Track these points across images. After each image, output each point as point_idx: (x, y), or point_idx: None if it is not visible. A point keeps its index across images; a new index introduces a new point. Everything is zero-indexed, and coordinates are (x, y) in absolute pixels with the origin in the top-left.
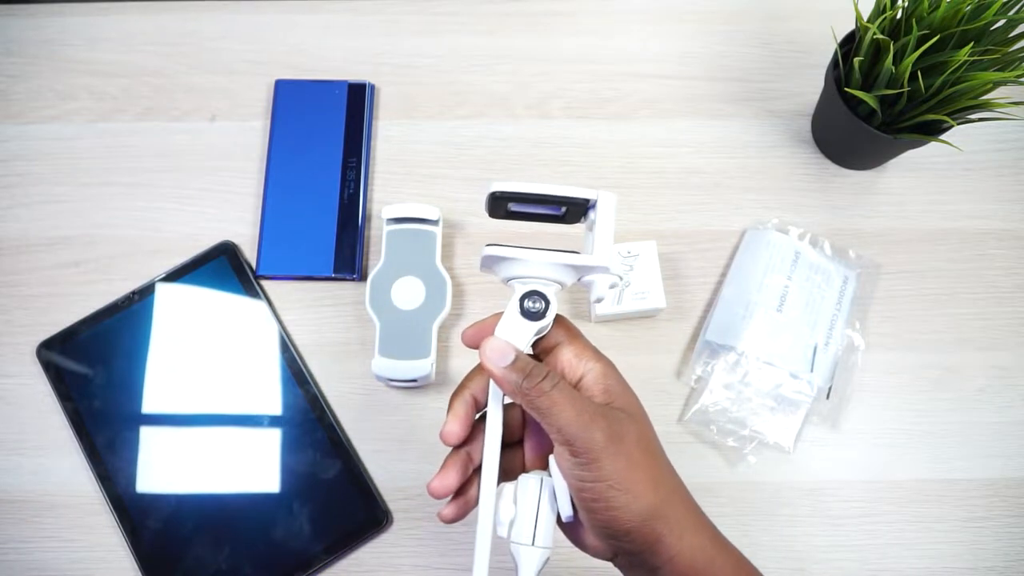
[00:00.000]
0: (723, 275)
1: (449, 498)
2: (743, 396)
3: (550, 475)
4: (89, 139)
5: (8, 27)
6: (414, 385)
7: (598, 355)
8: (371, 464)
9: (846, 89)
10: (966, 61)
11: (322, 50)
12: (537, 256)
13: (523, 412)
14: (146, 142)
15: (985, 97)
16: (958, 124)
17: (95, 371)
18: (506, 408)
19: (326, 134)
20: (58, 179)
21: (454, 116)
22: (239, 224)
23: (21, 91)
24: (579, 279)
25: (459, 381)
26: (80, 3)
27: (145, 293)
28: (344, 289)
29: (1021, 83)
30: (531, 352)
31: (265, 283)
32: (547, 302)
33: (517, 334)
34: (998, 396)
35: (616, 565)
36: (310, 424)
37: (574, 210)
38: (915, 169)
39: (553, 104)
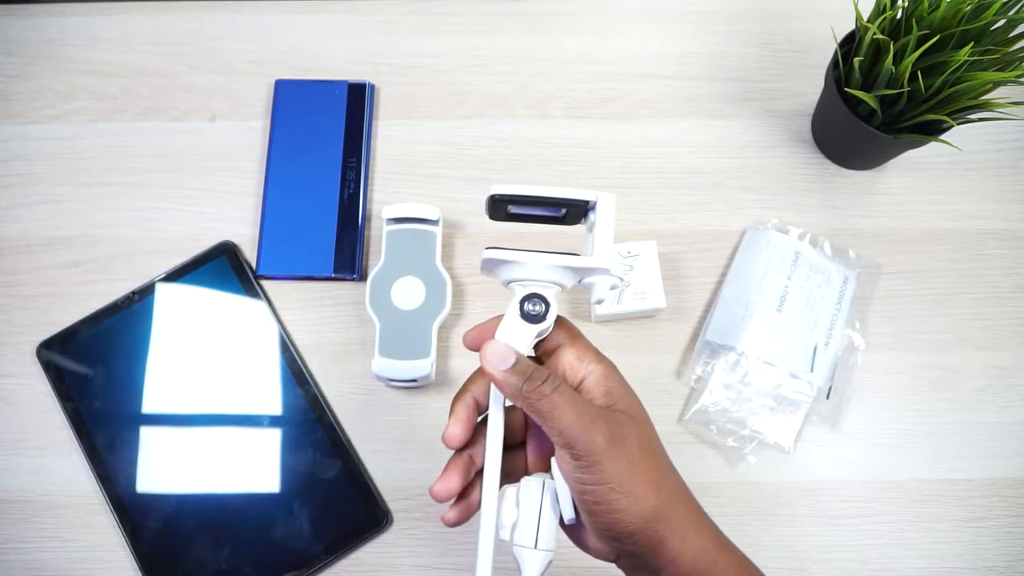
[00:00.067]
0: (723, 275)
1: (452, 501)
2: (743, 396)
3: (552, 477)
4: (89, 139)
5: (8, 27)
6: (414, 385)
7: (600, 357)
8: (371, 464)
9: (846, 89)
10: (966, 61)
11: (322, 50)
12: (537, 259)
13: (525, 414)
14: (146, 142)
15: (985, 97)
16: (958, 124)
17: (95, 371)
18: (508, 411)
19: (326, 134)
20: (58, 179)
21: (454, 116)
22: (239, 224)
23: (21, 91)
24: (579, 281)
25: (459, 381)
26: (80, 3)
27: (145, 293)
28: (344, 289)
29: (1021, 83)
30: (533, 354)
31: (265, 283)
32: (547, 305)
33: (517, 337)
34: (998, 396)
35: (619, 567)
36: (310, 424)
37: (574, 211)
38: (915, 169)
39: (553, 104)
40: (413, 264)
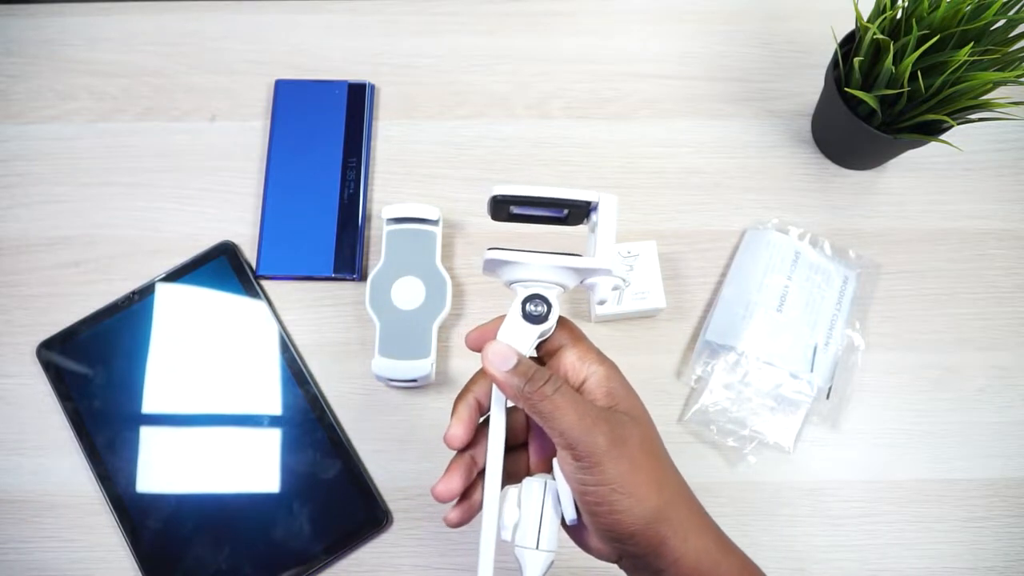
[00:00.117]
0: (723, 275)
1: (454, 502)
2: (743, 396)
3: (554, 478)
4: (89, 139)
5: (8, 27)
6: (414, 385)
7: (602, 358)
8: (371, 464)
9: (846, 89)
10: (966, 61)
11: (322, 50)
12: (539, 259)
13: (527, 415)
14: (146, 142)
15: (985, 97)
16: (958, 124)
17: (95, 371)
18: (510, 411)
19: (326, 134)
20: (58, 179)
21: (454, 116)
22: (239, 224)
23: (21, 91)
24: (581, 281)
25: (459, 381)
26: (80, 3)
27: (145, 293)
28: (344, 289)
29: (1021, 83)
30: (535, 355)
31: (265, 283)
32: (549, 305)
33: (519, 338)
34: (998, 396)
35: (620, 567)
36: (310, 424)
37: (576, 212)
38: (915, 169)
39: (553, 104)
40: (413, 264)
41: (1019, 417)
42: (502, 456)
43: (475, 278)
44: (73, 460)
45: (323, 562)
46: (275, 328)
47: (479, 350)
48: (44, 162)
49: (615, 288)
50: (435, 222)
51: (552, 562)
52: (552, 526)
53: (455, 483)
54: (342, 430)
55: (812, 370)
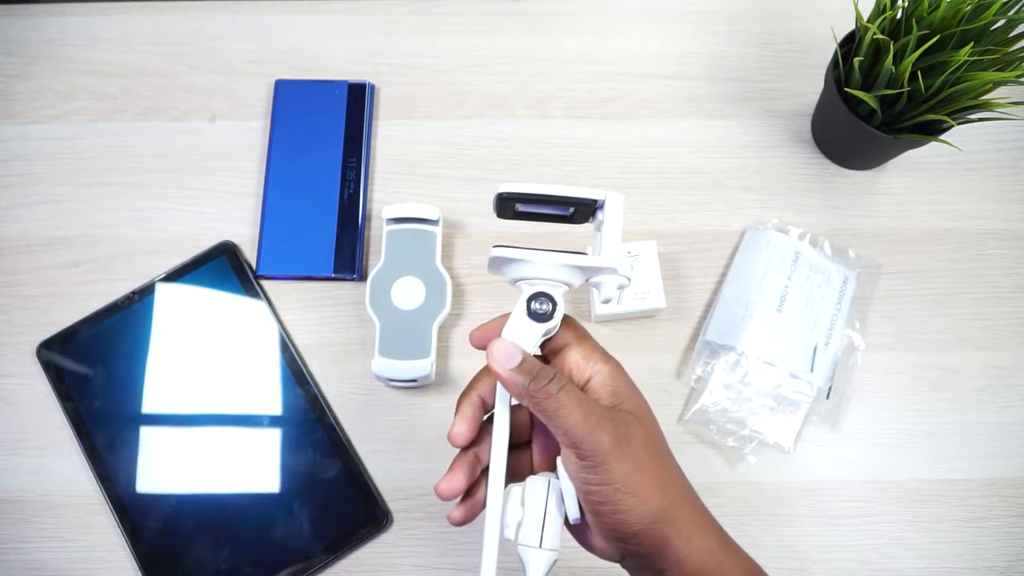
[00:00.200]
0: (723, 275)
1: (457, 500)
2: (743, 396)
3: (557, 477)
4: (89, 139)
5: (8, 27)
6: (414, 385)
7: (606, 357)
8: (371, 464)
9: (846, 89)
10: (966, 61)
11: (322, 50)
12: (545, 257)
13: (531, 413)
14: (146, 142)
15: (985, 97)
16: (958, 124)
17: (95, 371)
18: (514, 409)
19: (326, 134)
20: (58, 179)
21: (454, 116)
22: (239, 224)
23: (21, 91)
24: (587, 280)
25: (459, 381)
26: (80, 3)
27: (145, 293)
28: (344, 289)
29: (1021, 83)
30: (539, 353)
31: (265, 283)
32: (554, 303)
33: (524, 336)
34: (998, 396)
35: (623, 567)
36: (310, 424)
37: (582, 210)
38: (915, 169)
39: (553, 104)
40: (413, 264)
41: (1019, 417)
42: (506, 454)
43: (475, 278)
44: (73, 460)
45: (323, 562)
46: (275, 328)
47: (483, 348)
48: (44, 162)
49: (620, 287)
50: (435, 222)
51: (555, 561)
52: (555, 525)
53: (458, 481)
54: (342, 430)
55: (812, 370)
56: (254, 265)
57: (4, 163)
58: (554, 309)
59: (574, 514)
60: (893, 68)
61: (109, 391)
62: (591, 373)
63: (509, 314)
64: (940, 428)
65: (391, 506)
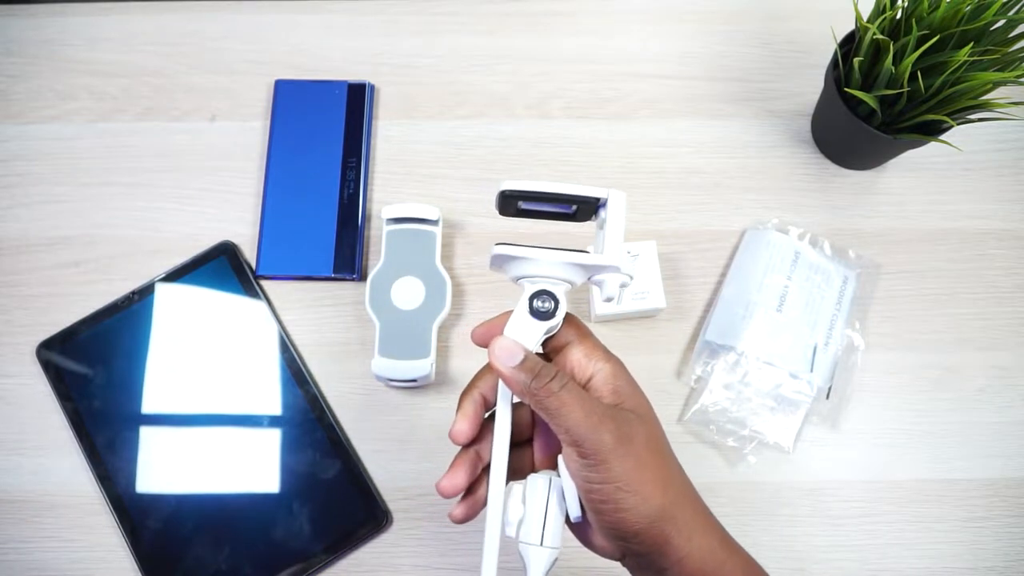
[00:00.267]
0: (723, 275)
1: (459, 498)
2: (743, 396)
3: (559, 475)
4: (89, 139)
5: (8, 27)
6: (414, 385)
7: (608, 355)
8: (371, 464)
9: (846, 89)
10: (966, 61)
11: (322, 50)
12: (547, 255)
13: (532, 411)
14: (146, 142)
15: (985, 97)
16: (958, 124)
17: (95, 371)
18: (515, 407)
19: (326, 134)
20: (58, 179)
21: (454, 116)
22: (239, 224)
23: (21, 91)
24: (589, 278)
25: (459, 381)
26: (80, 3)
27: (145, 293)
28: (344, 289)
29: (1021, 83)
30: (541, 351)
31: (265, 283)
32: (556, 302)
33: (526, 333)
34: (998, 396)
35: (625, 566)
36: (310, 424)
37: (584, 208)
38: (915, 169)
39: (553, 104)
40: (413, 264)
41: (1019, 417)
42: (507, 452)
43: (475, 278)
44: (73, 460)
45: (323, 562)
46: (275, 328)
47: (485, 345)
48: (44, 162)
49: (623, 286)
50: (435, 222)
51: (556, 559)
52: (556, 523)
53: (459, 479)
54: (342, 430)
55: (812, 370)
56: (254, 265)
57: (4, 163)
58: (556, 307)
59: (575, 512)
60: (893, 68)
61: (109, 391)
62: (593, 371)
63: (511, 312)
64: (940, 428)
65: (391, 506)
